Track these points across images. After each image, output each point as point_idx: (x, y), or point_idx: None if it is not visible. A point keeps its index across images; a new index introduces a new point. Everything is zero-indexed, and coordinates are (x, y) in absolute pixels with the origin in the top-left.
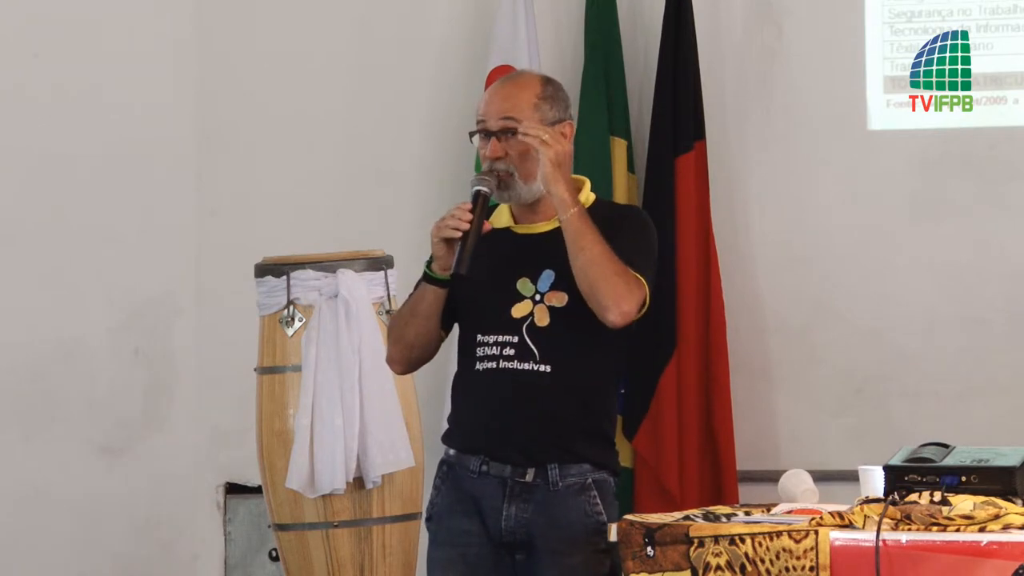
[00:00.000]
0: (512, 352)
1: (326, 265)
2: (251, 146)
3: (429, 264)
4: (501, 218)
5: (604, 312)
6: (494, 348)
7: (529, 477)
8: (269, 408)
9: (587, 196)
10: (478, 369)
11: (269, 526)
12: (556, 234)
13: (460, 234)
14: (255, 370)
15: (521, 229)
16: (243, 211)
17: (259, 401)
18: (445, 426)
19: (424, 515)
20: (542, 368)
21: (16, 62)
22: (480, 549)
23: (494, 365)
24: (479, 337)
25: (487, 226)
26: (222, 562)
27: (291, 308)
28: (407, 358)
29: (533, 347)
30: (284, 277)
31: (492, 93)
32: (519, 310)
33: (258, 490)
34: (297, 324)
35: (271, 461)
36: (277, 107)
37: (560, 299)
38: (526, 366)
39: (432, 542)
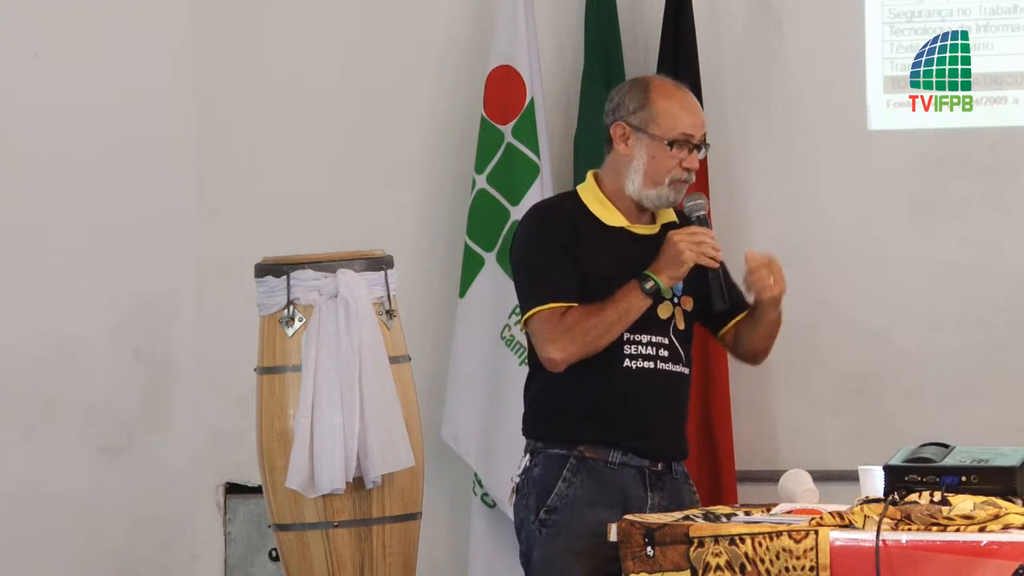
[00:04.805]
0: (666, 354)
1: (326, 265)
2: (251, 146)
3: (652, 278)
4: (611, 215)
5: (757, 360)
6: (648, 348)
7: (660, 467)
8: (269, 408)
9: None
10: (629, 367)
11: (269, 526)
12: (663, 236)
13: (717, 264)
14: (255, 370)
15: (638, 229)
16: (243, 211)
17: (259, 401)
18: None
19: (538, 508)
20: (685, 371)
21: (16, 62)
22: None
23: (650, 365)
24: (627, 335)
25: None
26: (222, 562)
27: (291, 308)
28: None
29: (680, 350)
30: (284, 277)
31: (692, 105)
32: (663, 311)
33: (258, 490)
34: (297, 324)
35: (271, 461)
36: (277, 107)
37: (689, 304)
38: (676, 368)
39: (558, 533)
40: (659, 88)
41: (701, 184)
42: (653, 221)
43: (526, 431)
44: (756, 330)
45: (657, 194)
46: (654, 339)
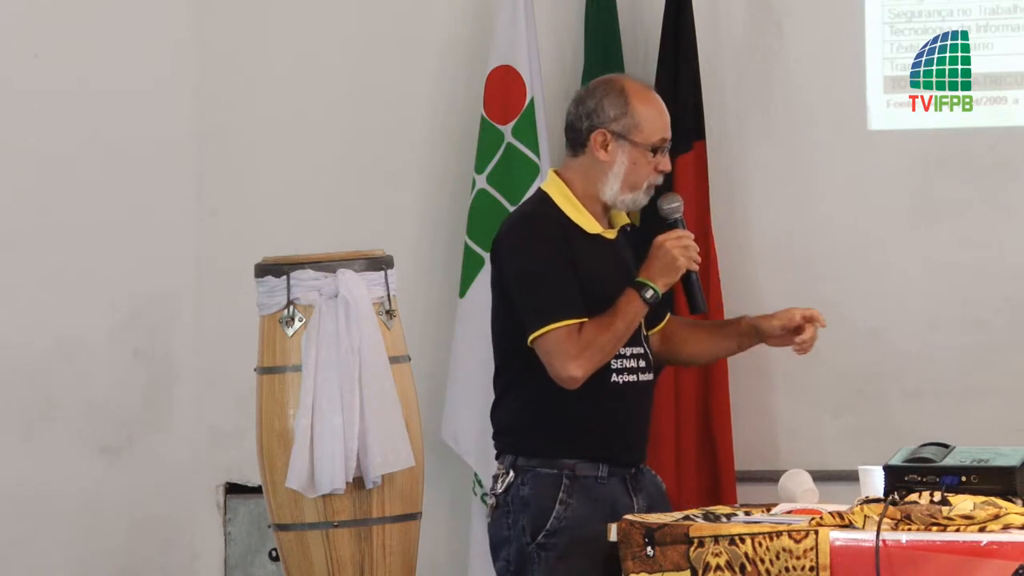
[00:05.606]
0: (644, 364)
1: (326, 265)
2: (251, 146)
3: (650, 286)
4: (589, 222)
5: (679, 364)
6: (631, 360)
7: (634, 470)
8: (269, 408)
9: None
10: (616, 381)
11: (269, 526)
12: (620, 238)
13: (697, 266)
14: (255, 370)
15: (608, 234)
16: (243, 211)
17: (259, 401)
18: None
19: (535, 531)
20: (653, 377)
21: (16, 62)
22: (608, 552)
23: (634, 378)
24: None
25: None
26: (222, 562)
27: (291, 308)
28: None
29: (651, 357)
30: (284, 277)
31: (664, 107)
32: None
33: (258, 490)
34: (297, 324)
35: (271, 461)
36: (277, 107)
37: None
38: (650, 377)
39: (560, 556)
40: (635, 93)
41: (701, 183)
42: (611, 225)
43: (505, 447)
44: (719, 348)
45: (633, 199)
46: (634, 350)
